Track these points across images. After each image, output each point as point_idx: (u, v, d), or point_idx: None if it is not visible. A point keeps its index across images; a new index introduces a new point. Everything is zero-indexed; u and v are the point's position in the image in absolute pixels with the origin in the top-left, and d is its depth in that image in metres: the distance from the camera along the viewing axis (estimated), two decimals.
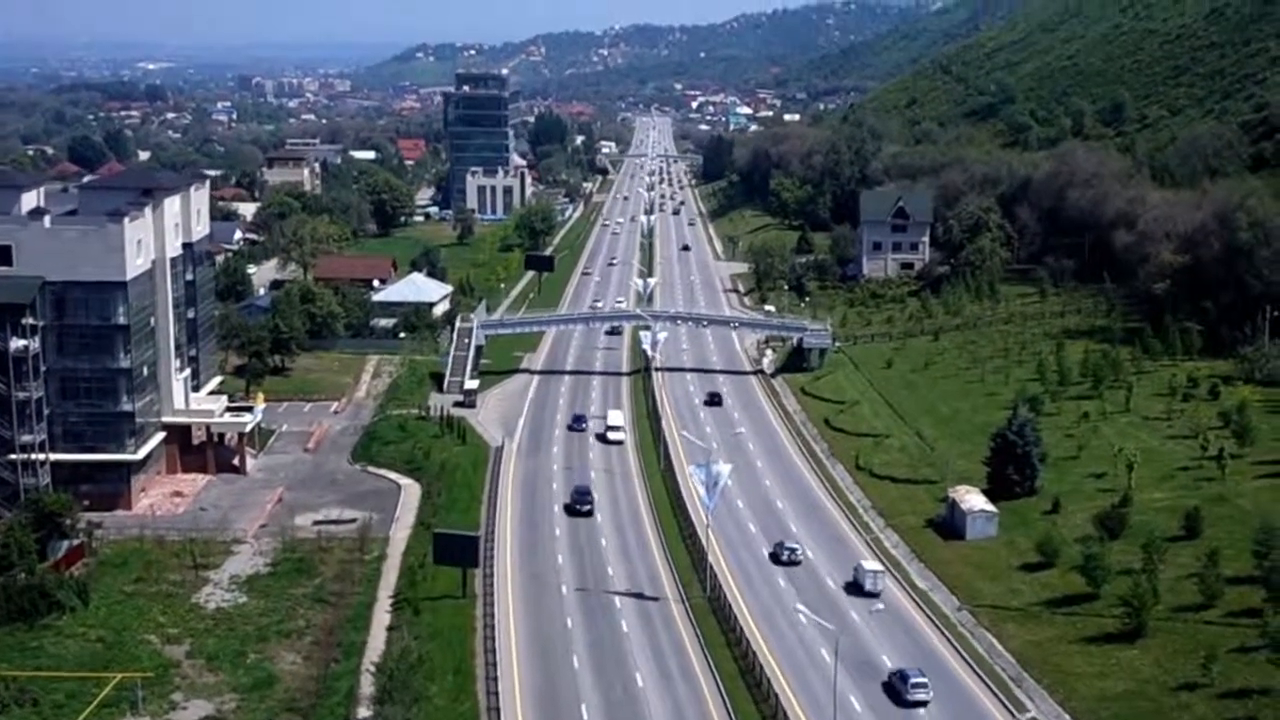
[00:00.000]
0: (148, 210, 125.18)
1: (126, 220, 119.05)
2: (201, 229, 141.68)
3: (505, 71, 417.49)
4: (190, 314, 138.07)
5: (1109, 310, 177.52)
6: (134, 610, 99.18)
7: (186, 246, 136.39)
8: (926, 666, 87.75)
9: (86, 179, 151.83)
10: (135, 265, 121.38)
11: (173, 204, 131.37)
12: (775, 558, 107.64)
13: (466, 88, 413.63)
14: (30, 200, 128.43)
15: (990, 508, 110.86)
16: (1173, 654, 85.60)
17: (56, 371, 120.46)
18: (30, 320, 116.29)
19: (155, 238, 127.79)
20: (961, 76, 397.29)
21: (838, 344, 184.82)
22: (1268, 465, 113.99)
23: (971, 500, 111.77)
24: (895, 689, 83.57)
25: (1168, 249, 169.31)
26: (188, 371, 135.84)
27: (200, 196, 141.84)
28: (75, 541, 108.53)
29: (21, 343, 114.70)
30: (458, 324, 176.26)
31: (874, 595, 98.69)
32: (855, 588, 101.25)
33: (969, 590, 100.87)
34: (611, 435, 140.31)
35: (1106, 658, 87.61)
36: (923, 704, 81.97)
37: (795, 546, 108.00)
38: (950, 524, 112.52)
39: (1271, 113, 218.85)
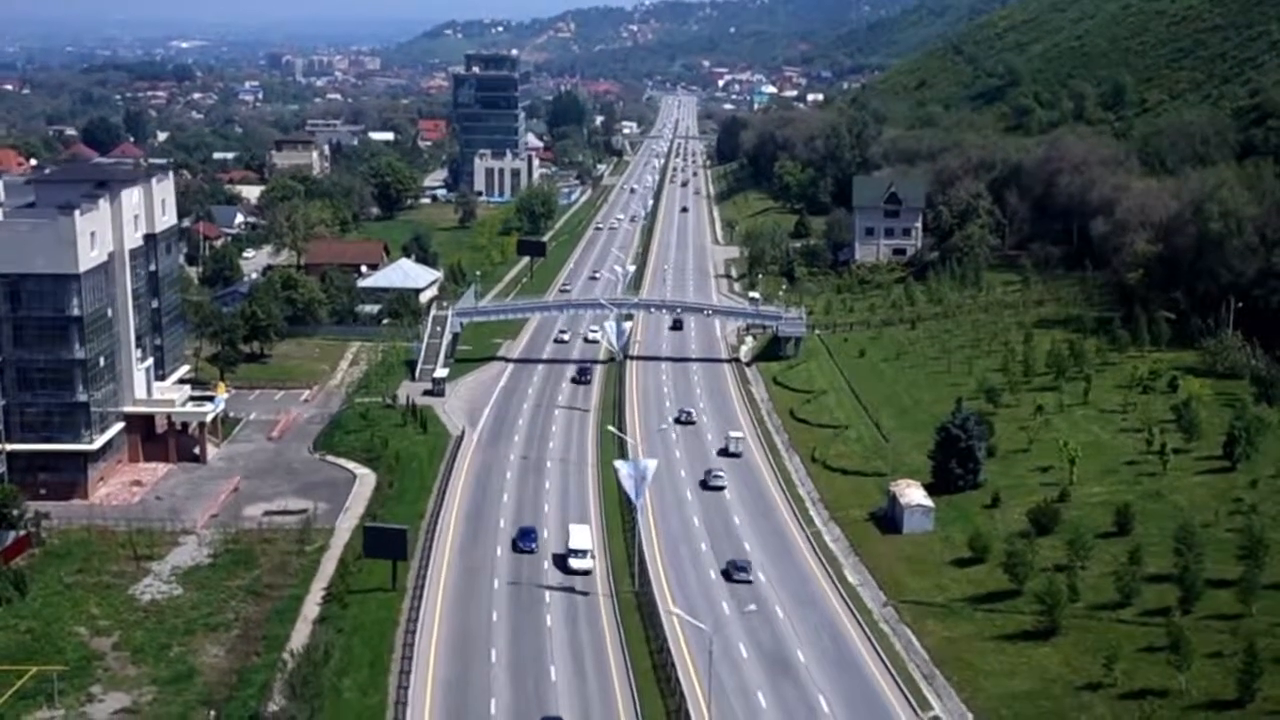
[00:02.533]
0: (103, 203, 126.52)
1: (78, 213, 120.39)
2: (167, 219, 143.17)
3: (516, 53, 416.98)
4: (154, 304, 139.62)
5: (1085, 299, 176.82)
6: (70, 602, 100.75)
7: (149, 238, 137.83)
8: (837, 662, 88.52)
9: (49, 170, 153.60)
10: (89, 258, 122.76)
11: (131, 196, 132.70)
12: (726, 575, 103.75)
13: (477, 69, 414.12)
14: None
15: (928, 502, 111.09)
16: (1083, 653, 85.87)
17: (13, 362, 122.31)
18: None
19: (113, 230, 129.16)
20: (972, 57, 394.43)
21: (816, 332, 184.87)
22: (1210, 461, 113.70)
23: (910, 494, 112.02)
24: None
25: (1143, 238, 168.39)
26: (150, 361, 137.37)
27: (164, 188, 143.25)
28: (21, 532, 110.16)
29: None
30: (433, 311, 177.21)
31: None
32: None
33: (897, 586, 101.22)
34: (575, 563, 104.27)
35: (1018, 656, 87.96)
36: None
37: (745, 564, 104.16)
38: (890, 518, 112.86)
39: (1264, 99, 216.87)
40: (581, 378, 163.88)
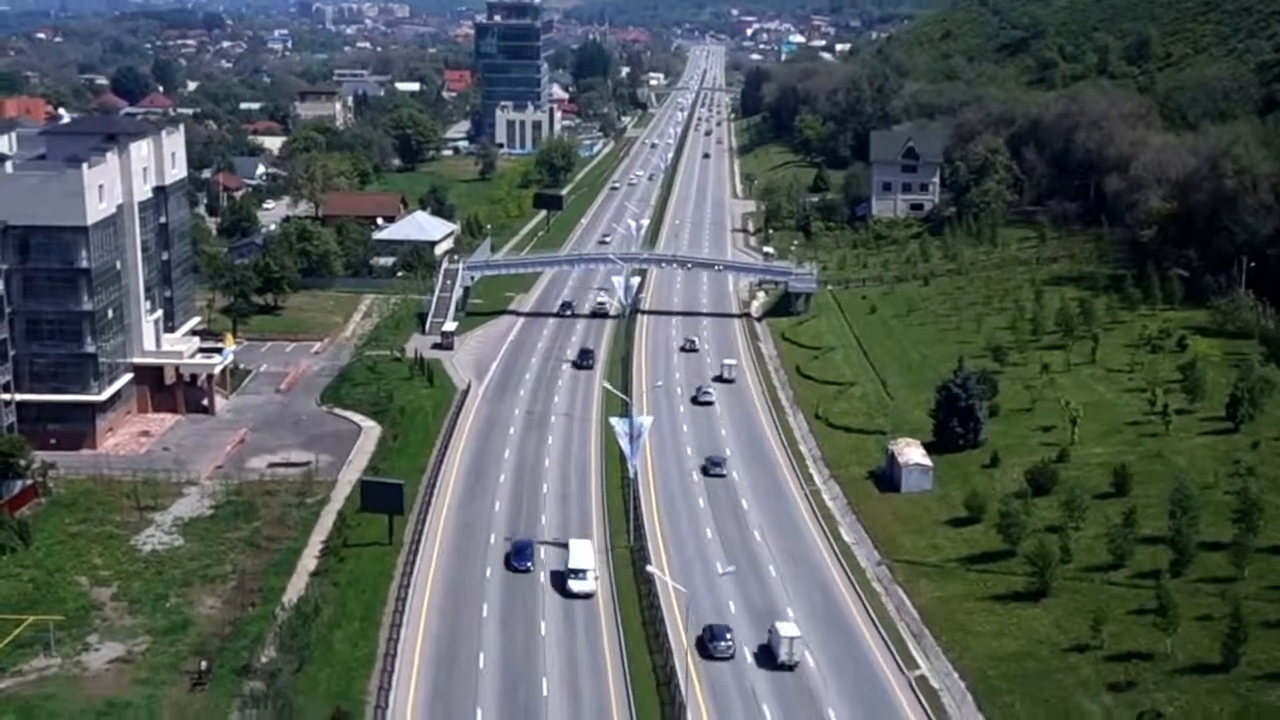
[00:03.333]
0: (111, 156, 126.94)
1: (86, 166, 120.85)
2: (177, 172, 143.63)
3: (539, 1, 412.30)
4: (165, 256, 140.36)
5: (1099, 257, 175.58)
6: (72, 552, 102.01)
7: (159, 190, 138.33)
8: (826, 621, 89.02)
9: (63, 122, 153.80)
10: (97, 210, 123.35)
11: (140, 149, 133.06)
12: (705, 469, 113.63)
13: (499, 17, 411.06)
14: (1, 145, 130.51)
15: (926, 461, 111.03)
16: (1072, 614, 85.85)
17: (22, 313, 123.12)
18: None
19: (121, 182, 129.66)
20: (997, 8, 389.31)
21: (828, 287, 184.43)
22: (1214, 422, 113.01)
23: (909, 453, 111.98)
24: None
25: (1158, 195, 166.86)
26: (159, 313, 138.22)
27: (175, 141, 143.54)
28: (28, 482, 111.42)
29: None
30: (444, 265, 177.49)
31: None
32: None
33: (892, 545, 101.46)
34: (574, 585, 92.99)
35: (1008, 616, 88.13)
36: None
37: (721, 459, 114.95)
38: (889, 477, 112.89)
39: None
40: (583, 362, 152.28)
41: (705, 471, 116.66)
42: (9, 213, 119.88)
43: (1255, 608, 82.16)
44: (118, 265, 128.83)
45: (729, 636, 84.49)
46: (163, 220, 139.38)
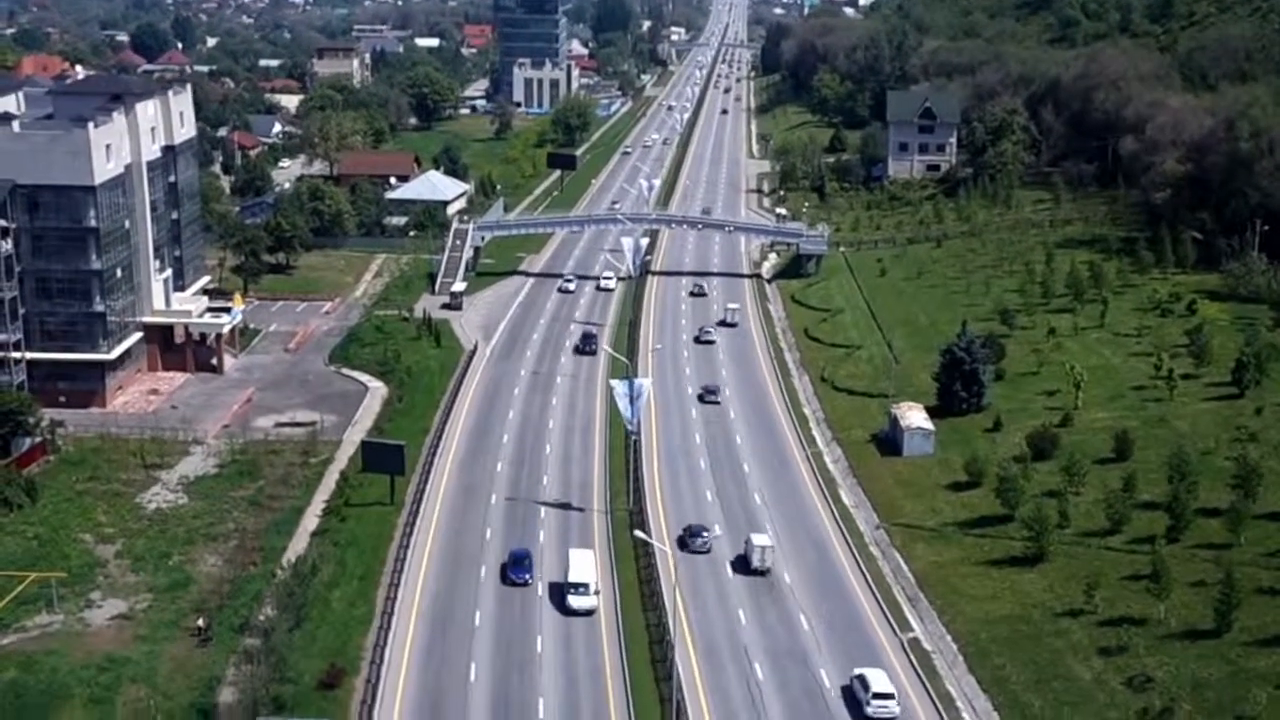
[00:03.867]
0: (117, 115, 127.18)
1: (92, 126, 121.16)
2: (185, 132, 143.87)
3: None
4: (174, 215, 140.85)
5: (1113, 219, 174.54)
6: (78, 509, 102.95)
7: (168, 149, 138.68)
8: (822, 583, 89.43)
9: (77, 79, 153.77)
10: (105, 170, 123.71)
11: (146, 109, 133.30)
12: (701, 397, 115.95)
13: None
14: (7, 104, 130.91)
15: (928, 425, 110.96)
16: (1067, 579, 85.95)
17: (32, 272, 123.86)
18: (3, 222, 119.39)
19: (129, 142, 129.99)
20: None
21: (841, 249, 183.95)
22: (1220, 387, 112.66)
23: (911, 417, 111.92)
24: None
25: (1173, 157, 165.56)
26: (169, 272, 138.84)
27: (182, 100, 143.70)
28: (37, 439, 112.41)
29: None
30: (454, 225, 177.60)
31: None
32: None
33: (891, 508, 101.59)
34: (574, 601, 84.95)
35: (1003, 581, 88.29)
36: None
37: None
38: (891, 440, 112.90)
39: None
40: (585, 346, 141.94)
41: (701, 399, 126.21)
42: (17, 172, 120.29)
43: (1250, 574, 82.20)
44: (126, 225, 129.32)
45: (705, 534, 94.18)
46: (172, 180, 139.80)
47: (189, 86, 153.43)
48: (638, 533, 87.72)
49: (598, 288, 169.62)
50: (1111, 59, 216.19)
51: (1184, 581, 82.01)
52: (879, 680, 73.80)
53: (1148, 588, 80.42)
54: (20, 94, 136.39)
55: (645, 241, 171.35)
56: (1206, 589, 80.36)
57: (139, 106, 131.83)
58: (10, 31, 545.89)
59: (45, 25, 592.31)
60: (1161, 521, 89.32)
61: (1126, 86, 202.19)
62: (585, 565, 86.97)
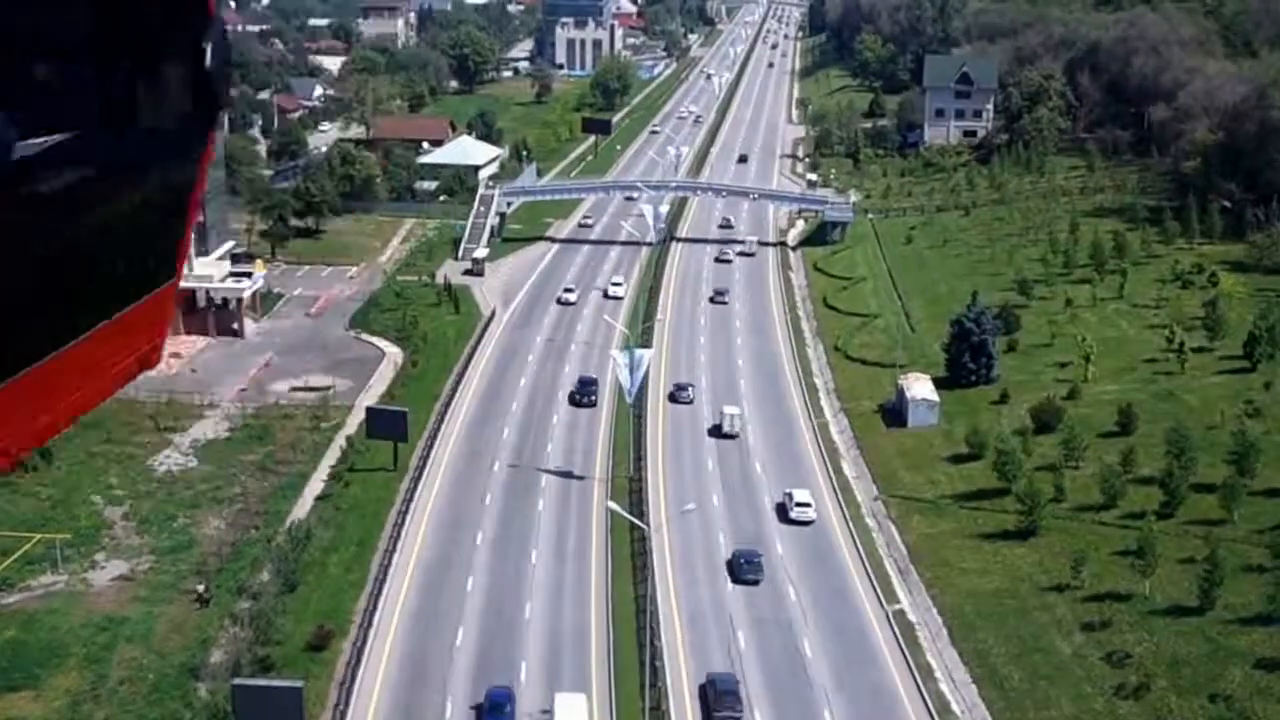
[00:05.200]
0: None
1: None
2: None
3: None
4: None
5: (1142, 188, 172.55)
6: (91, 471, 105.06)
7: None
8: (815, 554, 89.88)
9: None
10: None
11: None
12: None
13: None
14: None
15: (933, 396, 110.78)
16: (1057, 554, 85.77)
17: None
18: None
19: None
20: None
21: (869, 216, 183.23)
22: (1232, 360, 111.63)
23: (916, 388, 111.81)
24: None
25: (1204, 125, 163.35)
26: (190, 236, 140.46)
27: None
28: None
29: None
30: (480, 190, 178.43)
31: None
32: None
33: (890, 480, 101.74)
34: None
35: (995, 554, 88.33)
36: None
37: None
38: (896, 411, 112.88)
39: None
40: (583, 396, 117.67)
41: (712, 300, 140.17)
42: None
43: (1240, 551, 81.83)
44: None
45: (690, 388, 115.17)
46: None
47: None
48: (610, 504, 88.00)
49: (605, 295, 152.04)
50: (1151, 23, 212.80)
51: (1173, 558, 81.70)
52: (802, 494, 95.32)
53: (1133, 564, 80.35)
54: None
55: (666, 209, 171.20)
56: (1195, 566, 79.86)
57: None
58: None
59: None
60: (1157, 497, 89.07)
61: (1166, 51, 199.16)
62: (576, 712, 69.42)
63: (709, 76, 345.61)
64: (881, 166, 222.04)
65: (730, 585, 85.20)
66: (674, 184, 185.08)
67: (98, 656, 79.13)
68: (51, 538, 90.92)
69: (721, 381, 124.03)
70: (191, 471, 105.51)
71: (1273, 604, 74.48)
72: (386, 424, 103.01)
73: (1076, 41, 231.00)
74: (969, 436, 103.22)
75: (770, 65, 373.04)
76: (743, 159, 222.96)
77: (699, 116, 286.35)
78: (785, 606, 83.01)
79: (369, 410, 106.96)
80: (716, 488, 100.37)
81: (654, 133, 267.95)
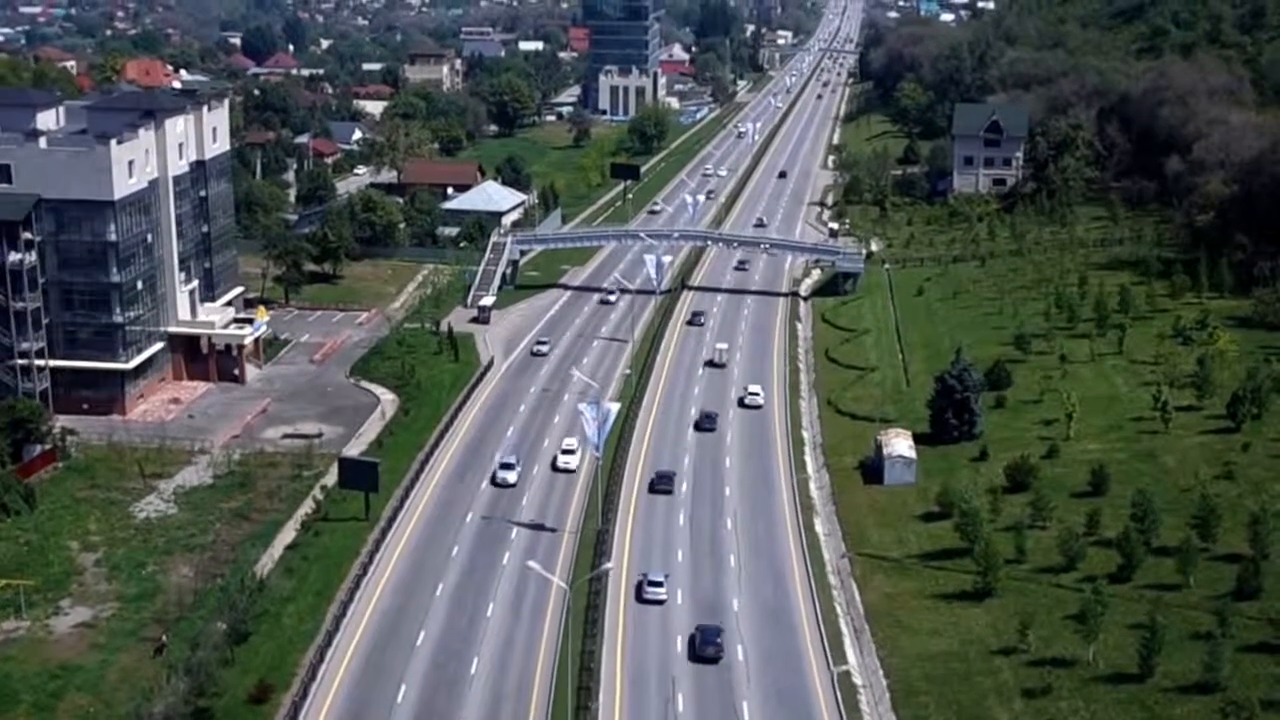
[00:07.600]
0: (143, 132, 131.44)
1: (114, 143, 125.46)
2: (218, 146, 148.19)
3: None
4: (204, 228, 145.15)
5: (1158, 240, 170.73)
6: (72, 516, 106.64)
7: (199, 164, 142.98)
8: (772, 612, 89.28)
9: (100, 99, 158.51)
10: (126, 185, 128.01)
11: (176, 124, 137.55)
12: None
13: None
14: (48, 119, 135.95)
15: (910, 454, 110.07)
16: (1011, 616, 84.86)
17: (55, 283, 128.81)
18: (28, 235, 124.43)
19: (156, 158, 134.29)
20: None
21: (886, 266, 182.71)
22: (1218, 420, 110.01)
23: (895, 445, 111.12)
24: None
25: (1220, 177, 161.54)
26: (195, 284, 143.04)
27: (217, 116, 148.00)
28: (47, 447, 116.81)
29: (17, 256, 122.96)
30: (493, 237, 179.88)
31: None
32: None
33: (860, 538, 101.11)
34: None
35: (949, 616, 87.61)
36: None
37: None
38: (875, 468, 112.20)
39: None
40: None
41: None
42: (43, 186, 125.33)
43: (1191, 617, 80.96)
44: (149, 238, 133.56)
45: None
46: (202, 194, 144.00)
47: (226, 101, 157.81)
48: (531, 564, 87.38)
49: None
50: (1180, 72, 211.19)
51: (1124, 623, 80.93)
52: (755, 387, 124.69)
53: (1073, 629, 79.50)
54: (61, 108, 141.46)
55: (669, 259, 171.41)
56: (1144, 631, 78.88)
57: (169, 122, 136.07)
58: (133, 33, 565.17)
59: (167, 26, 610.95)
60: (1116, 560, 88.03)
61: (1194, 102, 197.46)
62: None
63: (740, 135, 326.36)
64: (908, 214, 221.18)
65: (681, 650, 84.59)
66: (675, 235, 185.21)
67: (45, 704, 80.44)
68: (16, 584, 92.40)
69: (707, 438, 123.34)
70: (170, 518, 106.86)
71: (1210, 672, 73.26)
72: (357, 475, 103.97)
73: (1109, 91, 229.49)
74: (939, 495, 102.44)
75: (819, 97, 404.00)
76: (760, 223, 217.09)
77: (711, 192, 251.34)
78: (731, 666, 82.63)
79: (340, 461, 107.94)
80: (685, 547, 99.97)
81: (652, 212, 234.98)
